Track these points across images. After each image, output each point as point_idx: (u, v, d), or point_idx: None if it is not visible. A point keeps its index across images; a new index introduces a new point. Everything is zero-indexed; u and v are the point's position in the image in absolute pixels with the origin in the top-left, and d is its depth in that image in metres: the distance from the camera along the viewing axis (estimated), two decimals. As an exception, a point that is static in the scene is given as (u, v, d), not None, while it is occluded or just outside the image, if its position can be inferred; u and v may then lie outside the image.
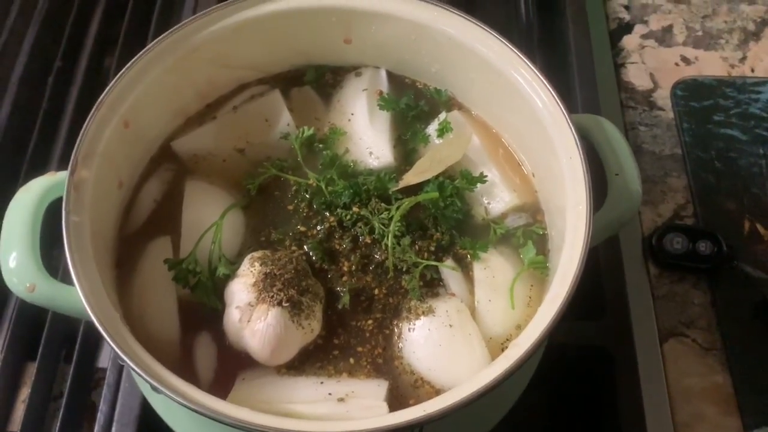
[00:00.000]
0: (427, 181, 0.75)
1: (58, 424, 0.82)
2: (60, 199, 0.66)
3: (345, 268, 0.71)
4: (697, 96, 1.07)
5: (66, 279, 0.68)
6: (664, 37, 1.14)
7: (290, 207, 0.76)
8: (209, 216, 0.73)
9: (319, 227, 0.73)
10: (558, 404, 0.86)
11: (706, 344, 0.89)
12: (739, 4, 1.17)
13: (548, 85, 0.68)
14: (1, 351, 0.86)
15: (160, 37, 0.71)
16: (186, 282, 0.69)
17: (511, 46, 0.70)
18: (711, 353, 0.88)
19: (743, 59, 1.12)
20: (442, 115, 0.80)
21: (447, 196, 0.73)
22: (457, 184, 0.74)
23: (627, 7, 1.17)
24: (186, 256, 0.70)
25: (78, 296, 0.60)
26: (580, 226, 0.64)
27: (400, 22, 0.76)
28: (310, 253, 0.72)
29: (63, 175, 0.67)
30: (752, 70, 1.10)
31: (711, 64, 1.11)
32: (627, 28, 1.15)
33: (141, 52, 0.70)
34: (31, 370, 0.85)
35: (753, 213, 0.97)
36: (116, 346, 0.57)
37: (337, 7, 0.76)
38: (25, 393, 0.84)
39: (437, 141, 0.80)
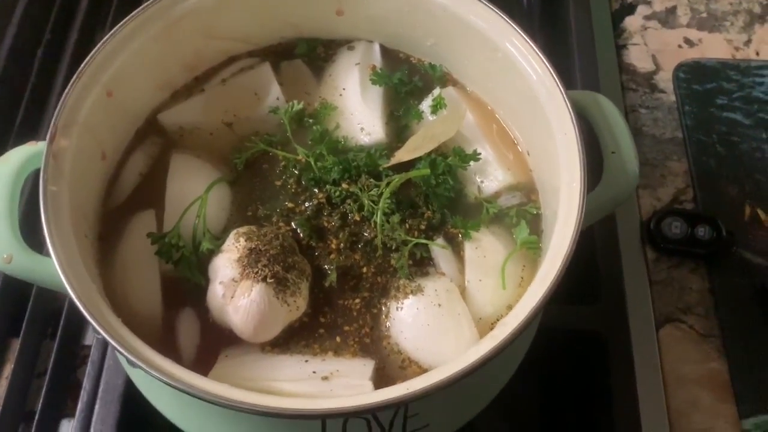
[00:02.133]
0: (419, 159, 0.73)
1: (41, 401, 0.80)
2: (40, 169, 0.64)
3: (333, 246, 0.69)
4: (699, 79, 1.05)
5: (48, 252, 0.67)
6: (667, 18, 1.12)
7: (278, 183, 0.74)
8: (194, 190, 0.72)
9: (307, 204, 0.72)
10: (550, 389, 0.84)
11: (703, 331, 0.87)
12: (745, -14, 1.14)
13: (544, 59, 0.66)
14: (-15, 327, 0.84)
15: (145, 5, 0.69)
16: (169, 257, 0.67)
17: (507, 19, 0.68)
18: (708, 340, 0.87)
19: (748, 42, 1.09)
20: (436, 91, 0.78)
21: (439, 173, 0.71)
22: (450, 161, 0.72)
23: (630, -12, 1.15)
24: (169, 230, 0.68)
25: (55, 268, 0.58)
26: (573, 204, 0.62)
27: (393, -6, 0.74)
28: (298, 230, 0.70)
29: (43, 145, 0.65)
30: (757, 53, 1.08)
31: (715, 47, 1.09)
32: (629, 8, 1.13)
33: (125, 20, 0.68)
34: (15, 346, 0.84)
35: (754, 198, 0.95)
36: (91, 317, 0.55)
37: (329, -24, 0.74)
38: (8, 369, 0.83)
39: (431, 117, 0.78)
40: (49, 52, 1.02)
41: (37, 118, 0.98)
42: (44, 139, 0.92)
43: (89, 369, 0.80)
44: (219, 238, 0.69)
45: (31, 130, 0.97)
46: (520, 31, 0.66)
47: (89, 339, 0.85)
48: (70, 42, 1.04)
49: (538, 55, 0.66)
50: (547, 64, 0.65)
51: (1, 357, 0.84)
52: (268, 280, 0.63)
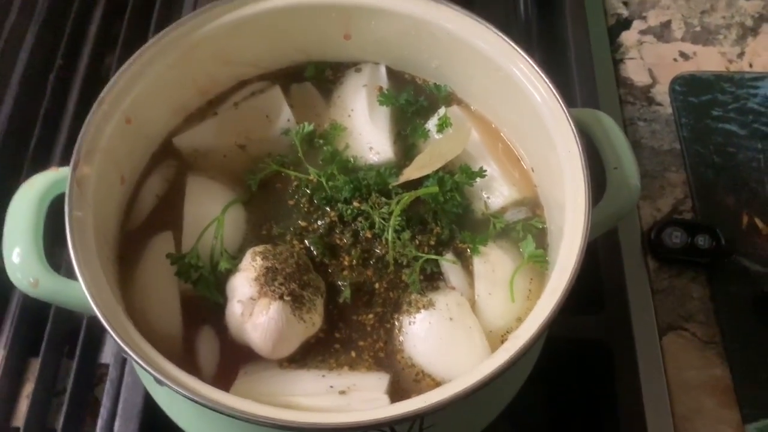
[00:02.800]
0: (427, 176, 0.75)
1: (62, 420, 0.82)
2: (62, 195, 0.67)
3: (346, 263, 0.72)
4: (695, 91, 1.07)
5: (69, 275, 0.69)
6: (662, 32, 1.15)
7: (291, 202, 0.76)
8: (211, 211, 0.74)
9: (319, 222, 0.74)
10: (557, 397, 0.86)
11: (704, 337, 0.89)
12: (737, 0, 1.17)
13: (547, 80, 0.69)
14: (5, 347, 0.86)
15: (161, 33, 0.71)
16: (188, 277, 0.69)
17: (510, 41, 0.71)
18: (710, 346, 0.89)
19: (741, 54, 1.12)
20: (442, 111, 0.81)
21: (447, 190, 0.74)
22: (457, 178, 0.74)
23: (625, 3, 1.18)
24: (188, 251, 0.70)
25: (81, 291, 0.60)
26: (579, 219, 0.64)
27: (399, 18, 0.77)
28: (311, 248, 0.72)
29: (65, 171, 0.67)
30: (750, 65, 1.11)
31: (709, 60, 1.12)
32: (625, 23, 1.16)
33: (142, 48, 0.70)
34: (35, 365, 0.86)
35: (751, 207, 0.98)
36: (120, 340, 0.57)
37: (337, 3, 0.76)
38: (28, 388, 0.85)
39: (437, 136, 0.80)
40: (61, 77, 1.05)
41: (51, 141, 1.00)
42: (59, 164, 0.96)
43: (108, 387, 0.82)
44: (236, 258, 0.71)
45: (45, 154, 0.99)
46: (524, 54, 0.69)
47: (107, 357, 0.87)
48: (81, 66, 1.06)
49: (542, 77, 0.68)
50: (551, 86, 0.68)
51: (21, 376, 0.86)
52: (285, 298, 0.65)
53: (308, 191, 0.76)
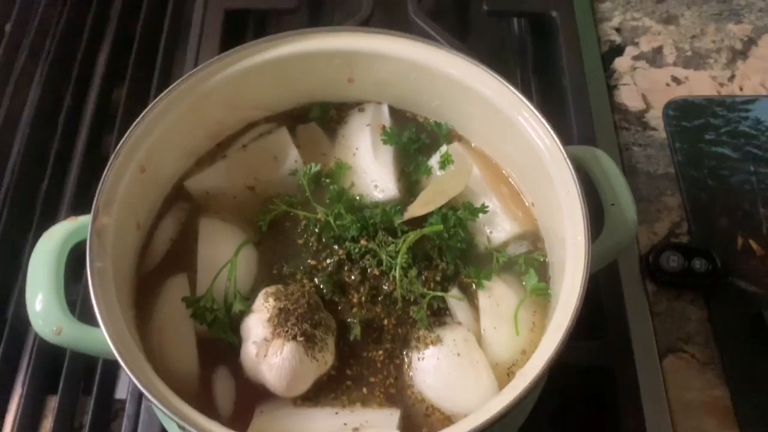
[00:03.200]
0: (431, 213, 0.78)
1: (81, 456, 0.84)
2: (80, 243, 0.69)
3: (355, 300, 0.74)
4: (688, 115, 1.10)
5: (83, 316, 0.71)
6: (654, 58, 1.18)
7: (300, 241, 0.79)
8: (224, 252, 0.76)
9: (328, 260, 0.76)
10: (562, 422, 0.88)
11: (704, 359, 0.92)
12: (726, 24, 1.20)
13: (546, 124, 0.72)
14: (23, 385, 0.88)
15: (173, 85, 0.74)
16: (203, 319, 0.72)
17: (510, 86, 0.73)
18: (709, 367, 0.91)
19: (732, 78, 1.15)
20: (443, 148, 0.83)
21: (451, 226, 0.76)
22: (460, 214, 0.77)
23: (618, 30, 1.21)
24: (203, 294, 0.73)
25: (103, 338, 0.63)
26: (580, 256, 0.67)
27: (400, 62, 0.79)
28: (321, 286, 0.75)
29: (83, 220, 0.70)
30: (741, 89, 1.14)
31: (701, 84, 1.14)
32: (618, 50, 1.19)
33: (155, 101, 0.73)
34: (53, 403, 0.88)
35: (745, 229, 1.00)
36: (144, 388, 0.60)
37: (340, 49, 0.79)
38: (47, 426, 0.87)
39: (439, 173, 0.83)
40: (71, 117, 1.07)
41: (62, 183, 1.03)
42: (71, 205, 0.98)
43: (125, 423, 0.84)
44: (248, 298, 0.73)
45: (57, 195, 1.01)
46: (524, 99, 0.72)
47: (122, 393, 0.89)
48: (89, 105, 1.09)
49: (541, 121, 0.71)
50: (549, 129, 0.70)
51: (39, 414, 0.88)
52: (298, 338, 0.68)
53: (317, 230, 0.78)
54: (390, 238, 0.76)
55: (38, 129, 1.05)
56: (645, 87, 1.14)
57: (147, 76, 1.11)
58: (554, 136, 0.70)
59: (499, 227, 0.79)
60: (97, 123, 1.07)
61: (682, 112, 1.11)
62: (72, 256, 0.71)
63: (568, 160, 0.69)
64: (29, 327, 0.90)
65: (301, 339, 0.68)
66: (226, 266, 0.74)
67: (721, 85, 1.14)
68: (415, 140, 0.84)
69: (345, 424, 0.67)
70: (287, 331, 0.68)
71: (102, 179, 0.68)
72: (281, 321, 0.69)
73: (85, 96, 1.10)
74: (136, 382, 0.59)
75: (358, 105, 0.87)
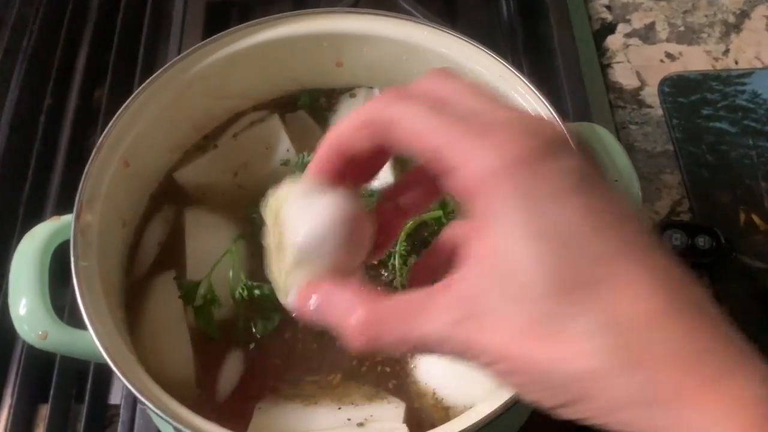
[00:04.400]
0: (429, 199, 0.75)
1: (75, 465, 0.81)
2: (64, 243, 0.66)
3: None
4: (684, 91, 1.08)
5: (72, 320, 0.68)
6: (647, 34, 1.16)
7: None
8: (213, 246, 0.74)
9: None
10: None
11: (711, 338, 0.90)
12: (718, -2, 1.19)
13: (542, 98, 0.69)
14: (12, 395, 0.85)
15: (155, 75, 0.71)
16: (192, 301, 0.69)
17: (503, 62, 0.71)
18: (717, 346, 0.90)
19: (726, 52, 1.13)
20: (438, 132, 0.81)
21: (449, 212, 0.74)
22: (453, 206, 0.75)
23: (608, 7, 1.19)
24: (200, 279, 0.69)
25: (91, 340, 0.60)
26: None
27: (391, 43, 0.77)
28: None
29: (66, 219, 0.67)
30: (736, 62, 1.12)
31: (695, 59, 1.13)
32: (610, 28, 1.17)
33: (136, 91, 0.70)
34: (44, 411, 0.85)
35: (747, 204, 0.99)
36: (135, 389, 0.57)
37: (328, 31, 0.76)
38: (39, 435, 0.84)
39: (435, 158, 0.80)
40: (51, 116, 1.04)
41: (45, 184, 0.99)
42: (55, 205, 0.95)
43: (120, 429, 0.81)
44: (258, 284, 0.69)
45: (41, 197, 0.98)
46: (518, 73, 0.69)
47: (116, 398, 0.86)
48: (70, 104, 1.06)
49: (537, 95, 0.69)
50: (546, 103, 0.68)
51: (31, 423, 0.85)
52: None
53: (311, 221, 0.75)
54: (387, 226, 0.73)
55: (18, 129, 1.02)
56: (639, 64, 1.12)
57: (129, 73, 1.08)
58: (551, 109, 0.67)
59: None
60: (79, 121, 1.04)
61: (677, 88, 1.09)
62: (57, 259, 0.68)
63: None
64: (17, 334, 0.87)
65: None
66: (218, 258, 0.71)
67: (716, 59, 1.12)
68: (409, 125, 0.82)
69: (349, 419, 0.64)
70: None
71: (84, 175, 0.65)
72: None
73: (66, 94, 1.07)
74: (126, 383, 0.56)
75: (348, 90, 0.84)
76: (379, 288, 0.72)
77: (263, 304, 0.70)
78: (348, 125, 0.42)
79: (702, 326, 0.35)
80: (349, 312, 0.39)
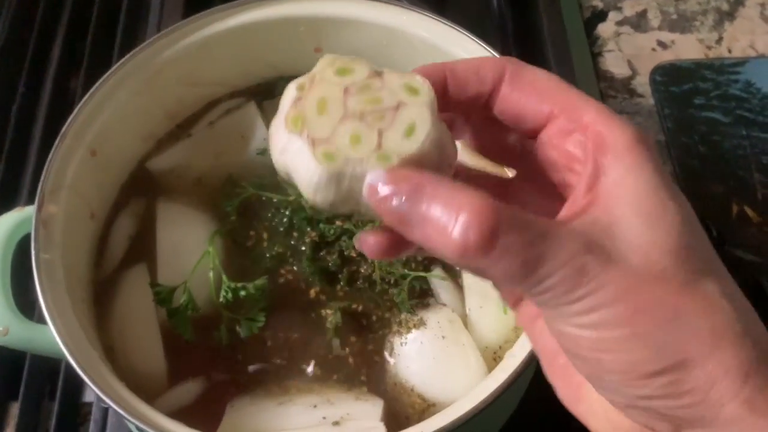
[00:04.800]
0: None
1: (47, 464, 0.79)
2: (29, 235, 0.63)
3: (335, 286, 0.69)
4: (676, 80, 1.06)
5: (43, 317, 0.66)
6: (639, 22, 1.13)
7: (269, 225, 0.73)
8: (185, 239, 0.71)
9: (301, 244, 0.71)
10: (558, 407, 0.84)
11: (702, 332, 0.88)
12: (711, -15, 1.16)
13: (527, 84, 0.67)
14: (-19, 392, 0.83)
15: (123, 60, 0.68)
16: (169, 304, 0.66)
17: (489, 48, 0.68)
18: (708, 341, 0.87)
19: (719, 40, 1.11)
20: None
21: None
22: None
23: (600, -5, 1.16)
24: (177, 285, 0.66)
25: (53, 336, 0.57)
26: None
27: (371, 28, 0.74)
28: (305, 270, 0.70)
29: (30, 209, 0.64)
30: (729, 51, 1.10)
31: (688, 47, 1.10)
32: (601, 16, 1.14)
33: (103, 77, 0.67)
34: (14, 409, 0.82)
35: (740, 196, 0.96)
36: (95, 386, 0.54)
37: (305, 15, 0.74)
38: (9, 434, 0.82)
39: (418, 146, 0.78)
40: (25, 105, 1.01)
41: (19, 173, 0.96)
42: (27, 197, 0.92)
43: (92, 428, 0.79)
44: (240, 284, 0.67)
45: (13, 187, 0.95)
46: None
47: (90, 396, 0.84)
48: (45, 93, 1.03)
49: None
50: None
51: (1, 422, 0.83)
52: None
53: (287, 213, 0.73)
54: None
55: (-9, 120, 0.99)
56: (630, 53, 1.10)
57: (106, 61, 1.04)
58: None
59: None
60: (53, 112, 1.01)
61: (669, 77, 1.06)
62: (27, 254, 0.65)
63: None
64: (-15, 330, 0.85)
65: None
66: (203, 257, 0.68)
67: (709, 48, 1.10)
68: (391, 113, 0.79)
69: (324, 417, 0.62)
70: None
71: (47, 164, 0.63)
72: None
73: (40, 83, 1.04)
74: (87, 380, 0.54)
75: (328, 78, 0.81)
76: (358, 283, 0.69)
77: (248, 304, 0.67)
78: (476, 61, 0.40)
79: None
80: (462, 206, 0.31)
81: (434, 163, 0.35)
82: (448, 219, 0.31)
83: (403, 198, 0.32)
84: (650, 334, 0.33)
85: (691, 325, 0.33)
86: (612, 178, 0.35)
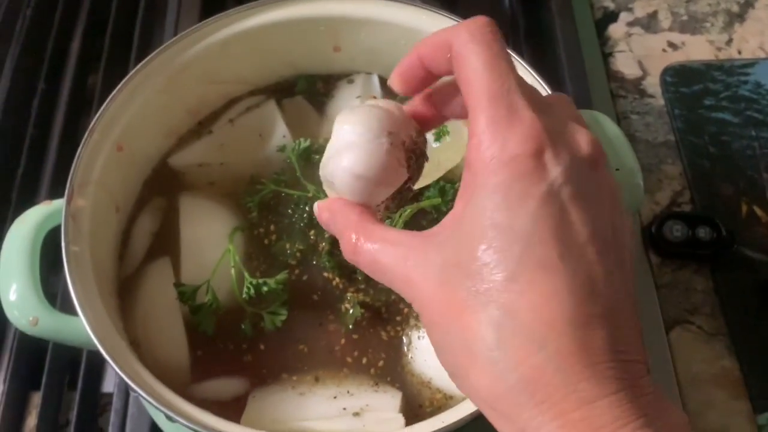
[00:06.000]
0: (427, 186, 0.74)
1: (68, 453, 0.81)
2: (56, 228, 0.65)
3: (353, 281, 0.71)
4: (686, 81, 1.07)
5: (65, 308, 0.67)
6: (649, 23, 1.14)
7: (289, 222, 0.75)
8: (208, 233, 0.73)
9: (321, 241, 0.73)
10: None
11: (711, 330, 0.89)
12: (722, -13, 1.17)
13: (543, 83, 0.68)
14: (4, 381, 0.84)
15: (148, 58, 0.70)
16: (192, 301, 0.67)
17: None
18: (717, 338, 0.89)
19: (729, 42, 1.12)
20: (438, 119, 0.79)
21: (449, 200, 0.73)
22: (458, 187, 0.73)
23: (611, -4, 1.17)
24: (199, 284, 0.68)
25: (82, 327, 0.59)
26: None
27: (389, 27, 0.75)
28: (324, 266, 0.71)
29: (58, 204, 0.66)
30: (739, 52, 1.11)
31: (698, 49, 1.11)
32: (612, 16, 1.15)
33: (130, 74, 0.69)
34: (36, 399, 0.84)
35: (749, 196, 0.98)
36: (126, 375, 0.56)
37: (325, 15, 0.75)
38: (31, 423, 0.83)
39: (434, 145, 0.79)
40: (44, 102, 1.03)
41: (39, 168, 0.98)
42: (48, 191, 0.94)
43: (113, 418, 0.80)
44: (262, 280, 0.68)
45: (34, 181, 0.97)
46: (518, 58, 0.68)
47: (109, 387, 0.86)
48: (64, 89, 1.04)
49: (538, 80, 0.67)
50: (547, 89, 0.67)
51: (23, 411, 0.84)
52: None
53: (307, 209, 0.74)
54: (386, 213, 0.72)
55: (11, 116, 1.01)
56: (641, 53, 1.11)
57: (123, 58, 1.06)
58: (549, 92, 0.66)
59: (498, 199, 0.76)
60: (72, 108, 1.03)
61: (680, 78, 1.07)
62: (50, 247, 0.67)
63: (570, 122, 0.65)
64: (8, 321, 0.86)
65: None
66: (220, 254, 0.69)
67: (719, 49, 1.11)
68: (408, 112, 0.80)
69: (344, 408, 0.63)
70: None
71: (76, 158, 0.64)
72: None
73: (59, 79, 1.06)
74: (117, 369, 0.55)
75: (346, 76, 0.83)
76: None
77: (269, 299, 0.68)
78: (432, 41, 0.47)
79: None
80: (347, 231, 0.47)
81: (366, 188, 0.49)
82: (339, 236, 0.48)
83: (323, 220, 0.51)
84: (434, 344, 0.42)
85: (455, 344, 0.40)
86: (465, 203, 0.42)
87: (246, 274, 0.68)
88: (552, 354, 0.37)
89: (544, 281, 0.38)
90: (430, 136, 0.79)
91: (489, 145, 0.39)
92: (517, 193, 0.38)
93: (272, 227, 0.74)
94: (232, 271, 0.69)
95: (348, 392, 0.65)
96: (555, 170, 0.39)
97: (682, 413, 0.40)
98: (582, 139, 0.42)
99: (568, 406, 0.37)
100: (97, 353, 0.57)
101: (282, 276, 0.68)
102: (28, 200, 0.94)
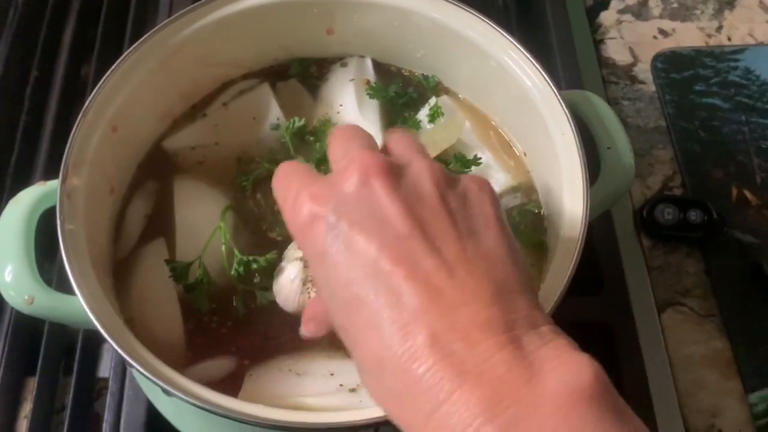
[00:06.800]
0: (421, 167, 0.74)
1: (64, 437, 0.81)
2: (50, 210, 0.65)
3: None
4: (677, 67, 1.08)
5: (61, 288, 0.67)
6: (640, 11, 1.15)
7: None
8: (203, 214, 0.73)
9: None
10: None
11: (702, 311, 0.90)
12: (711, -25, 1.18)
13: (537, 65, 0.69)
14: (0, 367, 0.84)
15: (142, 39, 0.70)
16: (185, 280, 0.68)
17: (497, 28, 0.70)
18: (708, 320, 0.90)
19: (719, 28, 1.13)
20: (433, 100, 0.80)
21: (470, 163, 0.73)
22: (452, 167, 0.74)
23: (602, -17, 1.18)
24: (191, 261, 0.68)
25: (79, 305, 0.59)
26: (577, 203, 0.64)
27: (382, 10, 0.76)
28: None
29: (53, 184, 0.66)
30: (729, 39, 1.12)
31: (688, 35, 1.12)
32: (603, 4, 1.16)
33: (124, 55, 0.69)
34: (31, 384, 0.84)
35: (739, 179, 0.99)
36: (123, 351, 0.56)
37: (319, -2, 0.76)
38: (26, 408, 0.83)
39: (428, 126, 0.80)
40: (38, 88, 1.02)
41: (33, 154, 0.98)
42: (42, 176, 0.94)
43: (109, 401, 0.80)
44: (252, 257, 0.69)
45: (27, 167, 0.97)
46: (512, 40, 0.69)
47: (105, 371, 0.86)
48: (57, 76, 1.04)
49: (531, 61, 0.68)
50: (541, 71, 0.68)
51: (18, 396, 0.84)
52: None
53: (301, 189, 0.74)
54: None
55: (4, 103, 1.01)
56: (632, 40, 1.12)
57: (116, 46, 1.06)
58: (544, 74, 0.67)
59: (492, 179, 0.76)
60: (66, 95, 1.03)
61: (670, 64, 1.08)
62: (45, 230, 0.67)
63: (560, 99, 0.66)
64: (3, 306, 0.86)
65: None
66: (212, 232, 0.70)
67: (709, 36, 1.12)
68: (402, 94, 0.81)
69: (341, 384, 0.63)
70: None
71: (70, 138, 0.64)
72: None
73: (52, 67, 1.05)
74: (115, 345, 0.55)
75: (339, 59, 0.83)
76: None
77: (261, 276, 0.69)
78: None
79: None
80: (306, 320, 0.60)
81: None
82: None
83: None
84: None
85: None
86: None
87: (236, 251, 0.68)
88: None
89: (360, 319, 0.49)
90: (424, 117, 0.80)
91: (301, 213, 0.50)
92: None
93: (265, 205, 0.75)
94: (223, 248, 0.69)
95: (345, 369, 0.65)
96: (330, 216, 0.47)
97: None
98: (343, 175, 0.49)
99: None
100: (93, 337, 0.57)
101: (271, 255, 0.68)
102: (22, 186, 0.94)
